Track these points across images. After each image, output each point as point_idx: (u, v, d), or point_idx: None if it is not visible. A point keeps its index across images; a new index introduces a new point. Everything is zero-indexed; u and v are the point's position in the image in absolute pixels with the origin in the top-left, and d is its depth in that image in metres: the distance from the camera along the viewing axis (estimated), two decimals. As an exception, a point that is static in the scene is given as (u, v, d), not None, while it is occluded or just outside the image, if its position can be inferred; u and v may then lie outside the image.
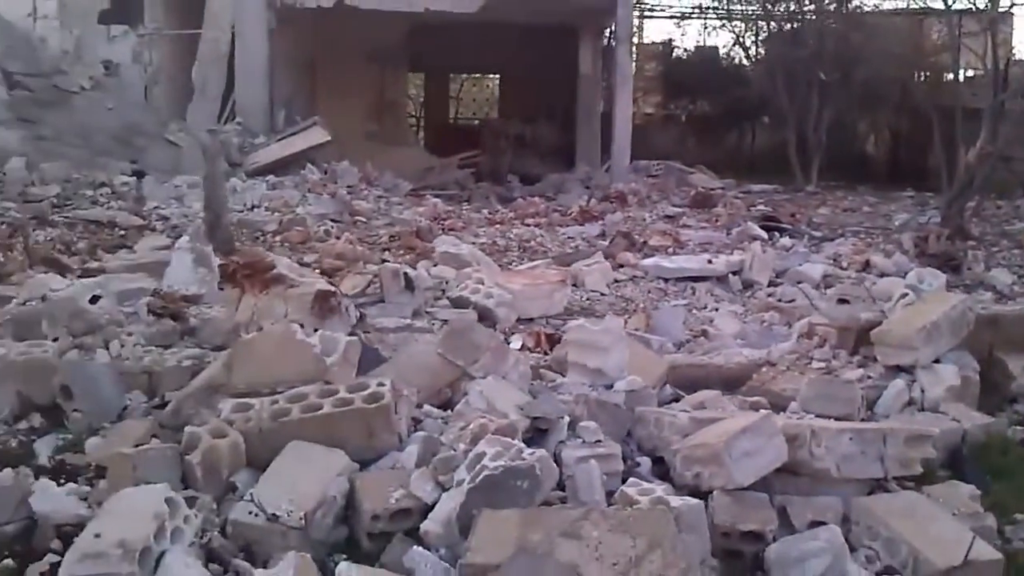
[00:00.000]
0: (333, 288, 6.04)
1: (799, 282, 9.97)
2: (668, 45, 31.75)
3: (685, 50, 32.19)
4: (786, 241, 13.05)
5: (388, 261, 9.68)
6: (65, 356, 5.43)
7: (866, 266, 11.12)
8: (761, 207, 16.65)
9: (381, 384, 4.94)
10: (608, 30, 23.42)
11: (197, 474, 4.54)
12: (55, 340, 5.88)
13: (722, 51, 30.47)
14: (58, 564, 3.98)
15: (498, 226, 13.69)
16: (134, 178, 13.91)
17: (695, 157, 25.19)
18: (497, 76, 31.63)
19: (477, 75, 33.18)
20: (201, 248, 7.90)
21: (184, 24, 17.96)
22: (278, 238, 11.23)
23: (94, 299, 6.19)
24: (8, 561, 4.13)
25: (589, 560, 3.50)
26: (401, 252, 10.85)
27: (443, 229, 12.89)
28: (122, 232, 11.22)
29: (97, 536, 3.82)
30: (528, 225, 14.00)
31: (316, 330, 5.51)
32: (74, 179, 13.47)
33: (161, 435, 5.04)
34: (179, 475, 4.58)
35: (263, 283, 5.92)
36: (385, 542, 4.32)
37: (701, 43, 31.70)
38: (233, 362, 5.20)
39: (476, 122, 31.00)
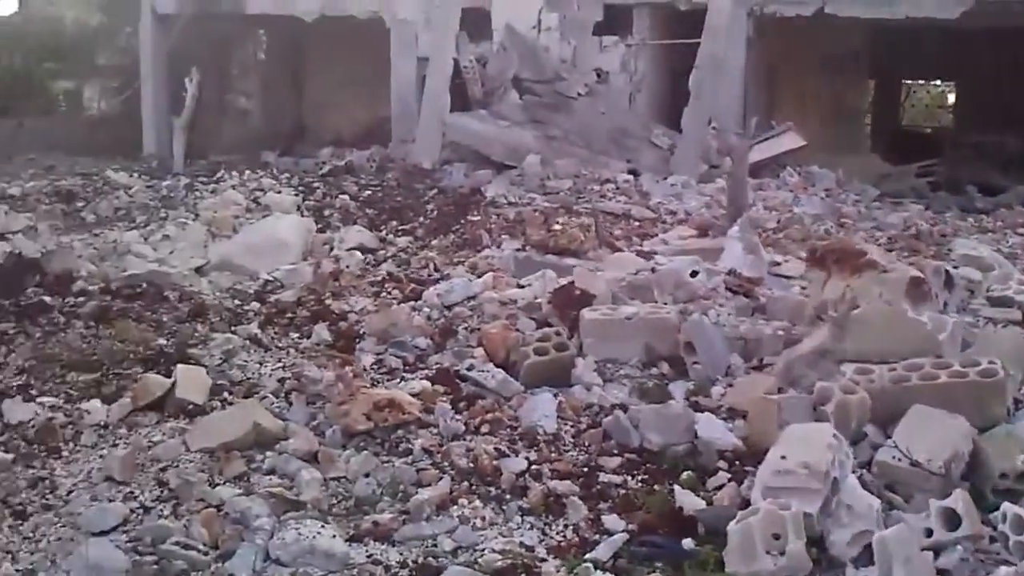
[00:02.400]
0: (923, 275, 6.60)
1: None
2: None
3: None
4: None
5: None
6: (691, 318, 6.43)
7: None
8: None
9: (992, 362, 5.44)
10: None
11: (830, 421, 5.28)
12: (664, 304, 6.95)
13: None
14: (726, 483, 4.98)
15: (990, 234, 13.48)
16: (632, 176, 15.23)
17: None
18: (951, 82, 30.38)
19: (933, 82, 32.05)
20: (749, 238, 8.76)
21: (665, 36, 19.10)
22: (781, 235, 11.90)
23: (693, 274, 7.22)
24: (688, 473, 5.12)
25: None
26: (905, 254, 11.11)
27: (932, 234, 12.94)
28: (637, 223, 12.40)
29: (783, 458, 4.67)
30: (1020, 234, 13.65)
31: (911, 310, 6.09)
32: (582, 175, 14.99)
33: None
34: (811, 421, 5.35)
35: (854, 267, 6.61)
36: (1007, 497, 4.82)
37: None
38: (844, 333, 5.92)
39: (927, 130, 30.00)
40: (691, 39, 16.75)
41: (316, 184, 14.20)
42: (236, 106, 21.67)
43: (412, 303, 7.65)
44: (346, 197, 13.20)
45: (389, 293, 8.15)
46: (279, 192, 13.23)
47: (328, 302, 7.81)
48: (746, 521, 4.30)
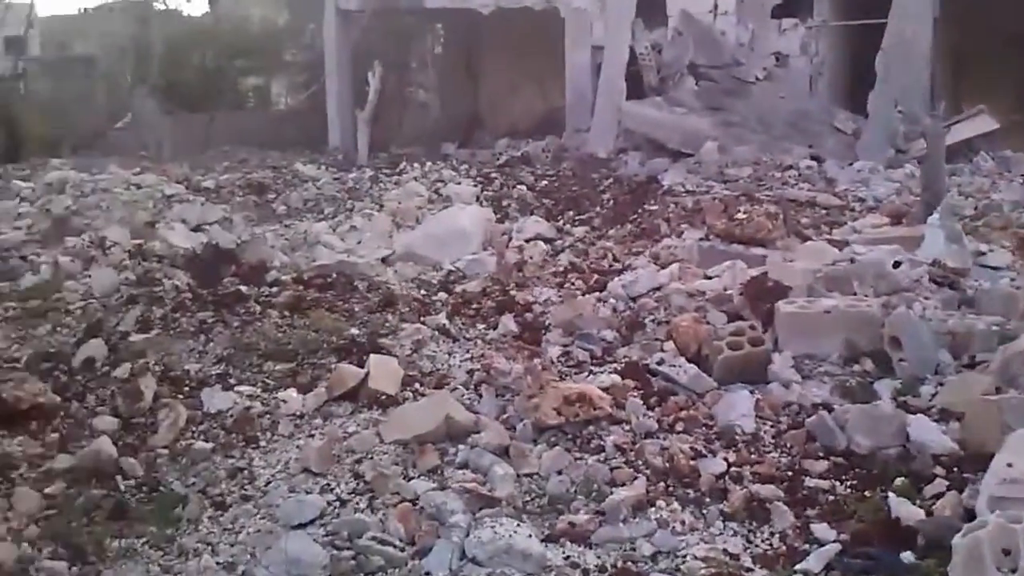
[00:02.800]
0: None
1: None
2: None
3: None
4: None
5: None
6: (896, 311, 6.05)
7: None
8: None
9: None
10: None
11: (1062, 426, 4.85)
12: (864, 296, 6.58)
13: None
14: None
15: None
16: (814, 162, 14.63)
17: None
18: None
19: None
20: (951, 225, 8.22)
21: (846, 17, 18.32)
22: (979, 223, 11.18)
23: (895, 264, 6.81)
24: (902, 479, 4.78)
25: None
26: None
27: None
28: (824, 210, 11.87)
29: (1010, 465, 4.30)
30: None
31: None
32: (762, 161, 14.50)
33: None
34: (1039, 423, 4.92)
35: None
36: None
37: None
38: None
39: None
40: (874, 19, 16.01)
41: (494, 175, 14.29)
42: (416, 99, 22.01)
43: (597, 294, 7.53)
44: (523, 187, 13.21)
45: (572, 284, 8.06)
46: (459, 183, 13.36)
47: (513, 293, 7.79)
48: (974, 534, 3.96)
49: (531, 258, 8.68)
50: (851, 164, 14.57)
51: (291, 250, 9.79)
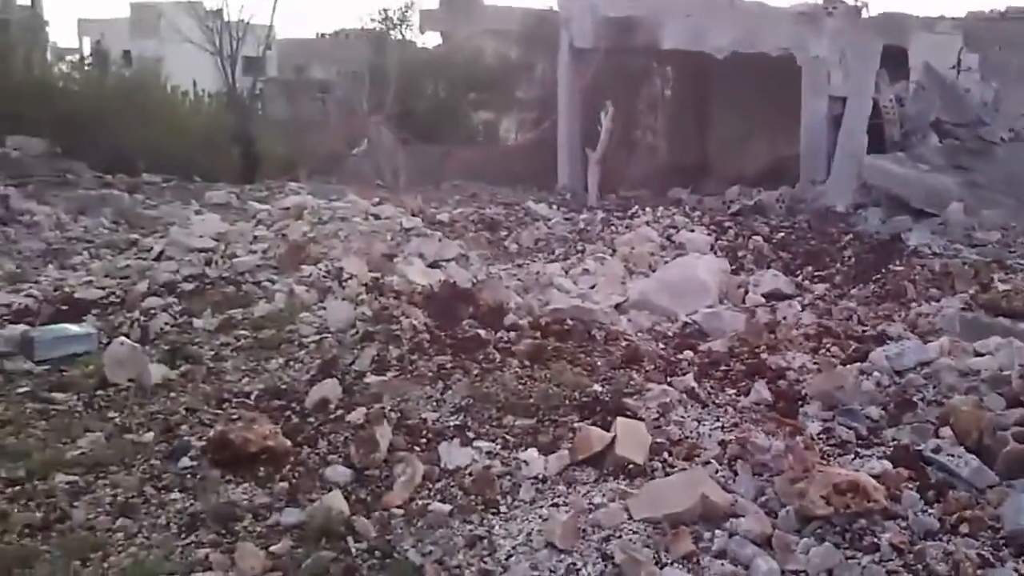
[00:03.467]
0: None
1: None
2: None
3: None
4: None
5: None
6: None
7: None
8: None
9: None
10: None
11: None
12: None
13: None
14: None
15: None
16: (1072, 231, 13.53)
17: None
18: None
19: None
20: None
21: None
22: None
23: None
24: None
25: None
26: None
27: None
28: (1093, 282, 10.87)
29: None
30: None
31: None
32: (1011, 227, 13.48)
33: None
34: None
35: None
36: None
37: None
38: None
39: None
40: None
41: (727, 223, 13.85)
42: (644, 142, 21.75)
43: (858, 364, 6.96)
44: (759, 238, 12.71)
45: (828, 351, 7.54)
46: (692, 230, 13.01)
47: (764, 356, 7.36)
48: None
49: (784, 319, 8.19)
50: (1103, 234, 13.45)
51: (524, 291, 9.55)
